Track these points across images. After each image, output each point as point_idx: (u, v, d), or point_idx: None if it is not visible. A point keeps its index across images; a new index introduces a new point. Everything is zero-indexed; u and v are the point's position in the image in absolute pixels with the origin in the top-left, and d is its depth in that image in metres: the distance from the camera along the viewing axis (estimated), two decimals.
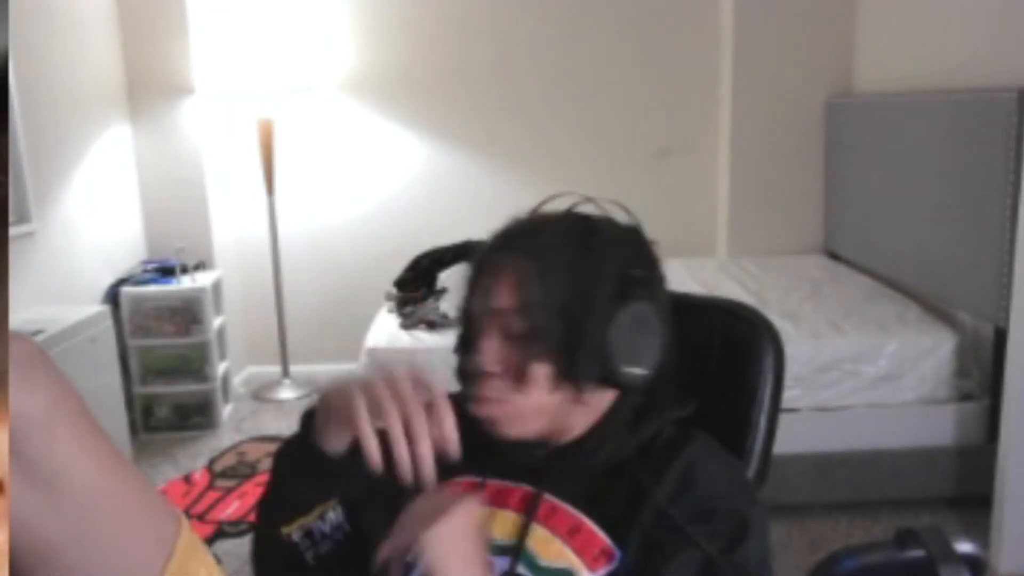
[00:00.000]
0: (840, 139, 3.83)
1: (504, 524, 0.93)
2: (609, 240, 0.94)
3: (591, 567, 0.88)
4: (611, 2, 4.05)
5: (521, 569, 0.89)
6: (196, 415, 3.67)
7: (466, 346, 0.97)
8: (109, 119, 3.68)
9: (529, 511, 0.93)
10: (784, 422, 2.86)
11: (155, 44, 3.80)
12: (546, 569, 0.88)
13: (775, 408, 1.03)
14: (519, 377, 0.91)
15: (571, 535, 0.90)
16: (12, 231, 2.88)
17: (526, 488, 0.95)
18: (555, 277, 0.90)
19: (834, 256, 3.97)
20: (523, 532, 0.91)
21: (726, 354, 1.04)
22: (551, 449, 0.97)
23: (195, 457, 3.38)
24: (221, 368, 3.73)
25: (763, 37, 3.90)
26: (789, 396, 2.73)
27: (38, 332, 2.68)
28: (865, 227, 3.62)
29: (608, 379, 0.92)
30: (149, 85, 3.82)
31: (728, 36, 3.97)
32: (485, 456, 0.96)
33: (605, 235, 0.94)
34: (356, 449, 0.87)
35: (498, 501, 0.96)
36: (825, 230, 4.05)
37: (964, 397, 2.76)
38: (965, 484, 2.70)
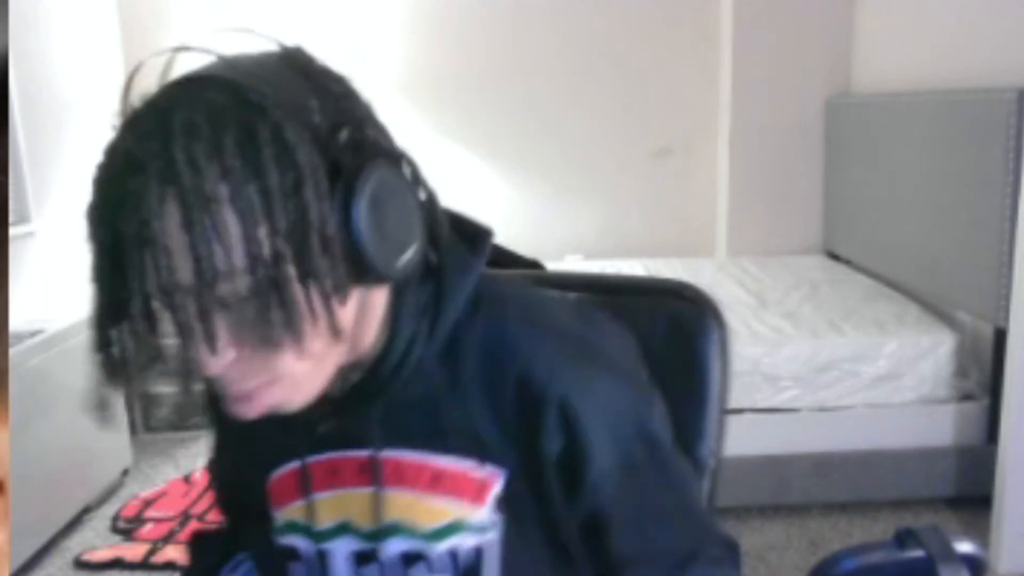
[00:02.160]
0: (840, 139, 3.83)
1: (354, 506, 0.78)
2: (273, 103, 0.61)
3: (477, 502, 0.75)
4: (611, 2, 4.05)
5: (407, 544, 0.76)
6: (196, 415, 3.67)
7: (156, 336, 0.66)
8: (109, 118, 3.68)
9: (375, 480, 0.76)
10: (783, 422, 2.87)
11: (155, 43, 3.79)
12: (433, 533, 0.76)
13: (725, 391, 1.00)
14: (265, 351, 0.64)
15: (435, 484, 0.75)
16: (12, 231, 2.88)
17: (359, 454, 0.77)
18: (231, 206, 0.58)
19: (834, 256, 3.97)
20: (377, 508, 0.76)
21: (672, 338, 0.99)
22: (353, 387, 0.75)
23: (195, 457, 3.38)
24: None
25: (762, 37, 3.90)
26: (788, 396, 2.73)
27: (38, 332, 2.68)
28: (865, 227, 3.62)
29: (373, 283, 0.69)
30: (149, 83, 3.81)
31: (727, 36, 3.97)
32: (295, 428, 0.76)
33: (265, 101, 0.61)
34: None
35: (333, 481, 0.79)
36: (824, 230, 4.05)
37: (964, 397, 2.76)
38: (965, 484, 2.70)
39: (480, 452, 0.75)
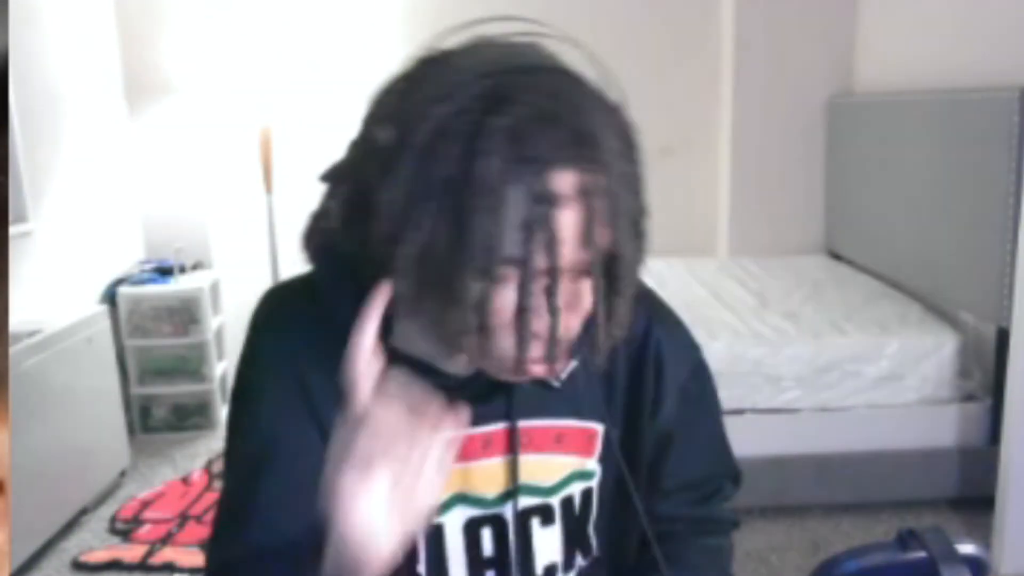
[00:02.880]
0: (841, 138, 3.82)
1: (474, 477, 0.81)
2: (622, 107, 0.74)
3: (588, 453, 0.85)
4: (612, 1, 4.04)
5: (530, 501, 0.83)
6: (194, 416, 3.66)
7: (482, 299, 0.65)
8: (106, 117, 3.68)
9: (513, 449, 0.82)
10: (785, 423, 2.87)
11: (153, 41, 3.79)
12: (556, 487, 0.84)
13: None
14: (581, 316, 0.71)
15: (558, 443, 0.84)
16: (9, 231, 2.88)
17: (483, 430, 0.80)
18: (627, 194, 0.68)
19: (835, 256, 3.96)
20: (514, 474, 0.82)
21: None
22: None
23: (193, 458, 3.37)
24: (219, 369, 3.72)
25: (764, 36, 3.89)
26: (790, 397, 2.72)
27: (35, 332, 2.67)
28: (867, 227, 3.61)
29: None
30: (147, 83, 3.81)
31: (729, 35, 3.96)
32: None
33: (619, 103, 0.74)
34: None
35: (469, 454, 0.81)
36: (826, 230, 4.04)
37: (966, 398, 2.75)
38: (967, 485, 2.69)
39: (594, 407, 0.85)
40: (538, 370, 0.70)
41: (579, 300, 0.69)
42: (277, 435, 0.77)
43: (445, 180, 0.62)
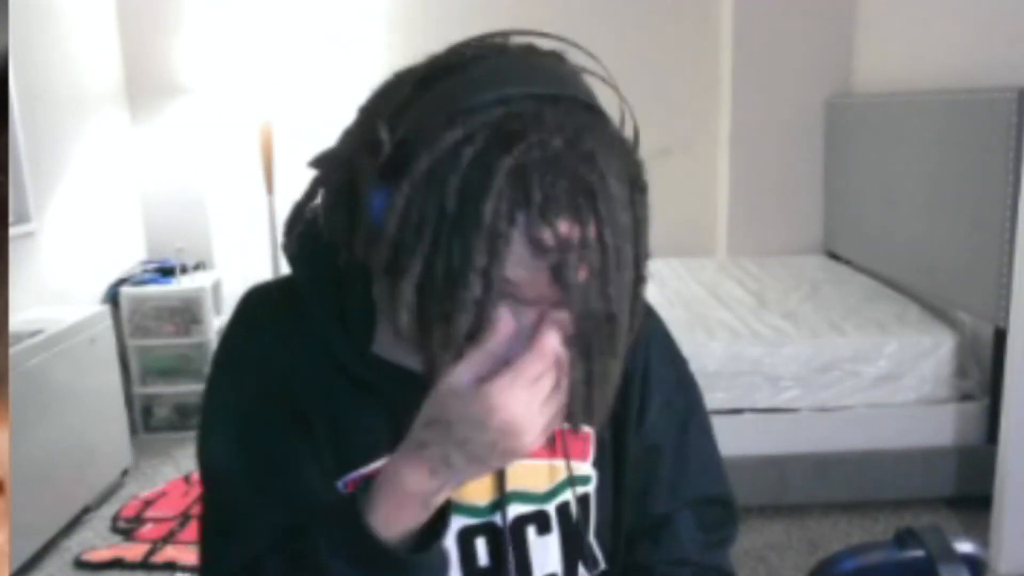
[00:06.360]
0: (840, 139, 3.83)
1: (477, 486, 0.77)
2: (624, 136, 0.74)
3: (583, 457, 0.83)
4: (611, 1, 4.05)
5: (523, 508, 0.81)
6: (196, 415, 3.66)
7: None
8: (109, 118, 3.68)
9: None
10: (784, 422, 2.87)
11: (154, 42, 3.80)
12: (550, 494, 0.82)
13: None
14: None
15: (549, 447, 0.81)
16: (11, 231, 2.88)
17: None
18: (626, 246, 0.65)
19: (834, 256, 3.97)
20: (501, 483, 0.80)
21: None
22: None
23: (195, 457, 3.37)
24: None
25: (763, 37, 3.90)
26: (789, 396, 2.73)
27: (37, 332, 2.68)
28: (865, 227, 3.62)
29: None
30: (148, 83, 3.82)
31: (728, 36, 3.97)
32: (380, 425, 0.76)
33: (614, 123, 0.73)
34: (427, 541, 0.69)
35: None
36: (825, 230, 4.05)
37: (964, 397, 2.76)
38: (965, 484, 2.70)
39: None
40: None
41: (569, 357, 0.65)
42: (252, 439, 0.77)
43: (443, 212, 0.61)
